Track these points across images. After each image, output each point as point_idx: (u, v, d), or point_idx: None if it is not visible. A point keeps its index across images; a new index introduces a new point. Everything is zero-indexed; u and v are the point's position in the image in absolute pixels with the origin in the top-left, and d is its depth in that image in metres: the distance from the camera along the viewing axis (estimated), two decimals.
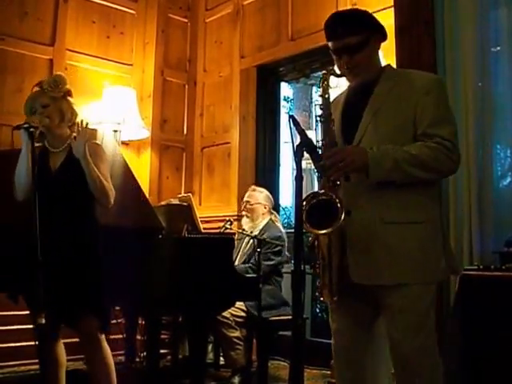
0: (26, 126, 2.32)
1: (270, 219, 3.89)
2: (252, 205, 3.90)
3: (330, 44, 1.96)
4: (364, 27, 1.91)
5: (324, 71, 1.95)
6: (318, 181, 1.88)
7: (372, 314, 1.92)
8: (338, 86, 3.19)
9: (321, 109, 1.90)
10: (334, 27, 1.92)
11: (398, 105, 1.86)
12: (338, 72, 1.95)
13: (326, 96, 1.90)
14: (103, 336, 2.43)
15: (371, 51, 1.93)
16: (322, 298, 1.90)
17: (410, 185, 1.82)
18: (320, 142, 1.87)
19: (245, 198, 3.98)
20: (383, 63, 2.06)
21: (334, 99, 2.06)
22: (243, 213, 3.96)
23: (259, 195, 3.93)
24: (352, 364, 1.93)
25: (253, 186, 4.12)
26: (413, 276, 1.79)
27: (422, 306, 1.81)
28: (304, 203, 1.78)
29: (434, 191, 1.91)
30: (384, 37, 1.99)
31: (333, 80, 2.01)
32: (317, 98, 9.58)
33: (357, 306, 1.91)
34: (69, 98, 2.61)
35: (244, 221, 3.95)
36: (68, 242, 2.40)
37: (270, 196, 4.00)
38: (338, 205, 1.75)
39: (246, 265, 3.69)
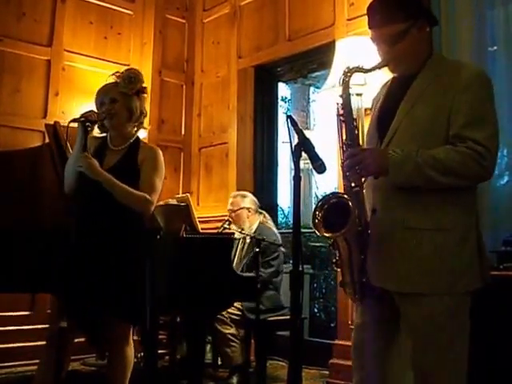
0: (82, 119, 2.27)
1: (260, 222, 3.85)
2: (235, 211, 3.86)
3: (369, 32, 1.85)
4: (405, 15, 1.76)
5: (345, 69, 1.85)
6: (343, 180, 1.83)
7: (393, 313, 1.81)
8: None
9: (341, 108, 1.82)
10: (372, 14, 1.81)
11: (435, 100, 1.74)
12: (365, 67, 1.84)
13: (345, 95, 1.82)
14: (129, 343, 2.42)
15: (413, 41, 1.79)
16: (345, 293, 1.87)
17: (438, 190, 1.71)
18: (343, 143, 1.82)
19: (228, 207, 3.93)
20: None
21: (378, 92, 2.00)
22: (230, 220, 3.85)
23: (241, 200, 3.90)
24: (369, 360, 1.86)
25: (233, 193, 4.09)
26: (427, 286, 1.70)
27: (438, 316, 1.69)
28: (319, 205, 1.76)
29: (465, 198, 1.76)
30: (431, 23, 1.85)
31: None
32: (312, 101, 9.59)
33: (378, 307, 1.84)
34: (142, 96, 2.51)
35: (233, 227, 3.86)
36: (103, 242, 2.33)
37: (254, 198, 3.96)
38: (350, 206, 1.70)
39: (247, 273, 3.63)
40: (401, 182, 1.72)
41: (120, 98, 2.44)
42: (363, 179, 1.81)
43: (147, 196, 2.40)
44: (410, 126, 1.77)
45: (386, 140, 1.81)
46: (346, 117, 1.82)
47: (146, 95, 2.55)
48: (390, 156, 1.71)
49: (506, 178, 3.09)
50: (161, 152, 2.56)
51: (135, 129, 2.53)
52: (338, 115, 1.83)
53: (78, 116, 2.31)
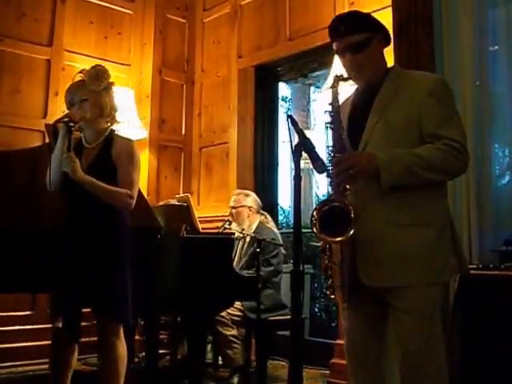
0: (66, 120, 2.31)
1: (260, 221, 3.85)
2: (236, 208, 3.86)
3: (333, 45, 1.97)
4: (366, 27, 1.93)
5: (334, 77, 1.96)
6: (329, 185, 1.88)
7: (382, 313, 1.91)
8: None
9: (330, 116, 1.91)
10: (336, 27, 1.95)
11: (403, 107, 1.87)
12: (344, 76, 1.96)
13: (336, 103, 1.92)
14: (121, 339, 2.42)
15: (374, 51, 1.94)
16: (332, 296, 1.91)
17: (415, 187, 1.82)
18: (330, 149, 1.88)
19: (230, 203, 3.94)
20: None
21: (342, 102, 2.06)
22: (230, 218, 3.86)
23: (243, 198, 3.90)
24: (364, 362, 1.94)
25: (237, 190, 4.09)
26: (416, 278, 1.80)
27: (426, 307, 1.81)
28: (316, 212, 1.79)
29: (439, 191, 1.90)
30: (387, 39, 2.00)
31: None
32: (312, 101, 9.59)
33: (367, 306, 1.92)
34: (110, 91, 2.54)
35: (233, 226, 3.87)
36: (95, 239, 2.36)
37: (257, 198, 3.96)
38: (352, 213, 1.75)
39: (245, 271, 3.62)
40: (392, 182, 1.79)
41: (89, 95, 2.47)
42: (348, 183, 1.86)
43: (128, 192, 2.43)
44: (381, 133, 1.87)
45: (360, 149, 1.89)
46: (335, 124, 1.90)
47: (113, 90, 2.57)
48: (379, 158, 1.79)
49: (507, 178, 3.09)
50: (135, 143, 2.57)
51: (108, 124, 2.55)
52: (326, 123, 1.91)
53: (61, 116, 2.36)
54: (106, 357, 2.43)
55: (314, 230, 1.79)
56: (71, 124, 2.31)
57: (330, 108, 1.92)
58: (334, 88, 1.94)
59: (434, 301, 1.83)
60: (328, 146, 1.89)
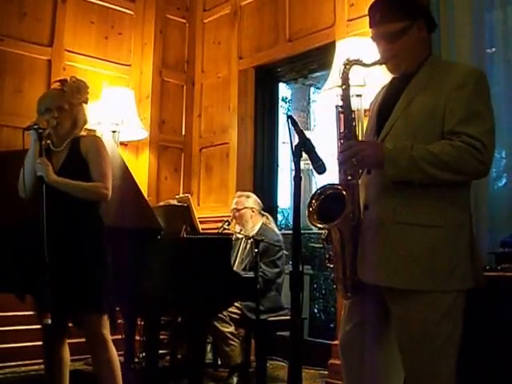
0: (35, 126, 2.35)
1: (263, 223, 3.86)
2: (239, 210, 3.87)
3: (370, 31, 1.89)
4: (404, 15, 1.81)
5: (345, 60, 1.87)
6: (338, 172, 1.84)
7: (384, 314, 1.81)
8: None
9: (341, 100, 1.85)
10: (373, 13, 1.85)
11: (431, 98, 1.76)
12: (365, 62, 1.87)
13: (344, 87, 1.85)
14: (109, 337, 2.43)
15: (412, 40, 1.82)
16: (337, 291, 1.86)
17: (432, 185, 1.71)
18: (341, 135, 1.83)
19: (232, 206, 3.95)
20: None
21: (378, 92, 2.03)
22: (233, 220, 3.88)
23: (245, 200, 3.91)
24: (353, 363, 1.86)
25: (238, 192, 4.10)
26: (420, 282, 1.68)
27: (430, 315, 1.68)
28: (315, 195, 1.76)
29: (458, 194, 1.76)
30: (430, 25, 1.89)
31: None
32: (312, 102, 9.60)
33: (369, 305, 1.82)
34: (84, 105, 2.60)
35: (231, 226, 3.88)
36: (71, 240, 2.40)
37: (258, 199, 3.97)
38: (345, 199, 1.71)
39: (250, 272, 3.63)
40: (397, 177, 1.71)
41: (67, 106, 2.52)
42: (359, 171, 1.82)
43: (102, 184, 2.48)
44: (405, 122, 1.79)
45: (382, 136, 1.83)
46: (345, 108, 1.85)
47: (87, 105, 2.63)
48: (386, 150, 1.72)
49: (504, 180, 3.09)
50: (101, 139, 2.63)
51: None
52: (337, 106, 1.85)
53: (30, 124, 2.39)
54: (99, 354, 2.43)
55: (310, 209, 1.74)
56: (41, 130, 2.35)
57: (340, 92, 1.85)
58: (344, 73, 1.85)
59: (441, 309, 1.68)
60: (341, 133, 1.84)
